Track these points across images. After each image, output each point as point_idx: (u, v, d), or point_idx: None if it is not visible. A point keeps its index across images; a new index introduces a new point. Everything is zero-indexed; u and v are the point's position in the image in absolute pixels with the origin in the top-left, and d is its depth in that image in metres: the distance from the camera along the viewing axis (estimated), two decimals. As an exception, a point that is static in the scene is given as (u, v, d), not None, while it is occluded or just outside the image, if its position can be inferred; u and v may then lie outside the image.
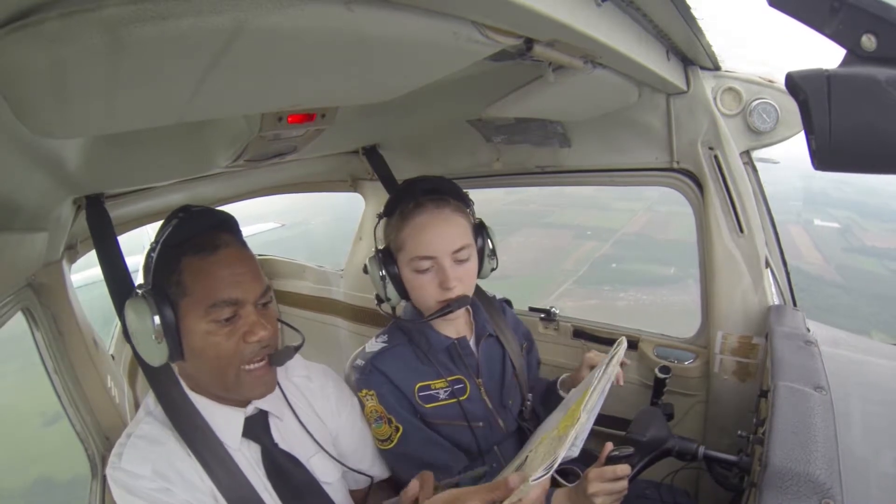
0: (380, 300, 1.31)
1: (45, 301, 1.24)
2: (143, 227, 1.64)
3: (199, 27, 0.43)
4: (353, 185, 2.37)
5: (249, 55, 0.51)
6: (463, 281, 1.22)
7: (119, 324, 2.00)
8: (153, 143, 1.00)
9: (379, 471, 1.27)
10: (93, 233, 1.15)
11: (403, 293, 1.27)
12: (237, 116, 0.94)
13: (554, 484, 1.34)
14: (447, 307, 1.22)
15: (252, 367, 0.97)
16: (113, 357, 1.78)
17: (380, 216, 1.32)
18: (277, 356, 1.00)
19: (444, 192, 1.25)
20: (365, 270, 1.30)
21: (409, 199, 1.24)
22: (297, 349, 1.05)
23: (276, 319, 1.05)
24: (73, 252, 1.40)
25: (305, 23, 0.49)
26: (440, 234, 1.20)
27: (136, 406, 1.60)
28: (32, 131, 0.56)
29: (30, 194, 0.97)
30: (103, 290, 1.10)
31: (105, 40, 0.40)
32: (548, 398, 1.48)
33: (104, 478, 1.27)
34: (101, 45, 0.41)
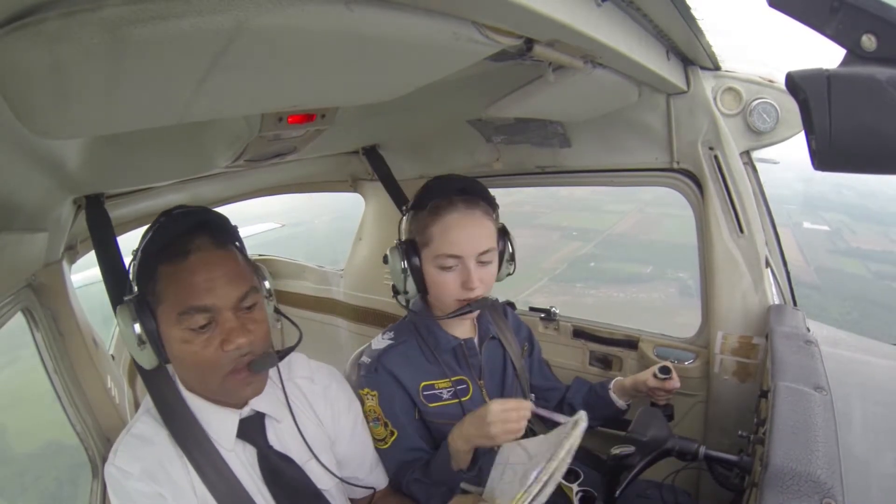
0: (396, 292, 1.30)
1: (45, 301, 1.24)
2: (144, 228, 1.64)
3: (200, 27, 0.43)
4: (353, 185, 2.37)
5: (249, 55, 0.51)
6: (484, 282, 1.23)
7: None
8: (153, 143, 0.99)
9: (377, 479, 1.25)
10: (92, 233, 1.15)
11: (422, 287, 1.27)
12: (237, 117, 0.94)
13: None
14: (467, 307, 1.23)
15: (233, 374, 0.95)
16: (113, 357, 1.78)
17: (407, 208, 1.31)
18: (258, 363, 0.96)
19: (476, 193, 1.26)
20: (385, 261, 1.28)
21: (441, 195, 1.23)
22: (283, 355, 1.02)
23: (266, 320, 1.01)
24: (73, 252, 1.40)
25: (305, 23, 0.49)
26: (469, 234, 1.21)
27: (137, 406, 1.60)
28: (32, 131, 0.56)
29: (30, 194, 0.97)
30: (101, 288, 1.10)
31: (105, 40, 0.40)
32: (594, 401, 1.51)
33: (104, 478, 1.27)
34: (101, 45, 0.41)
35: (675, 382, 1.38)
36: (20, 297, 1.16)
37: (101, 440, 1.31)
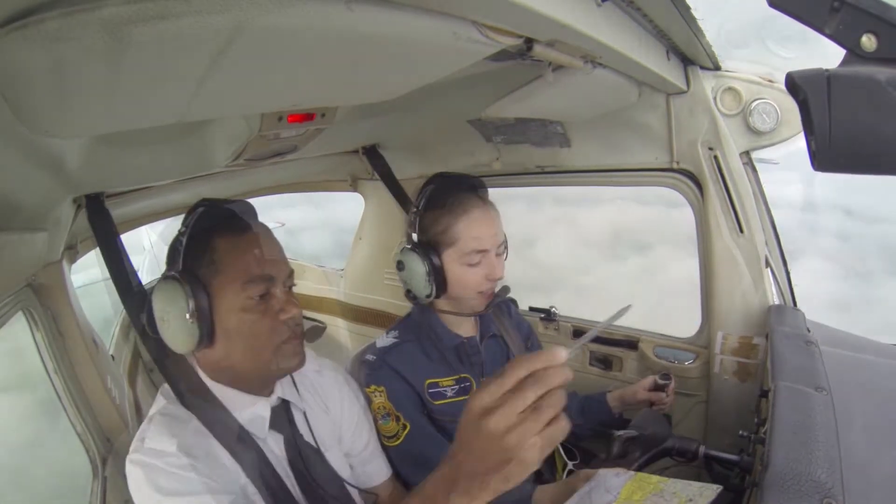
0: (412, 296, 1.29)
1: (45, 301, 1.24)
2: (141, 228, 1.64)
3: (199, 27, 0.43)
4: (353, 184, 2.37)
5: (249, 55, 0.51)
6: (501, 273, 1.26)
7: (119, 324, 2.00)
8: (153, 143, 0.99)
9: (378, 468, 1.22)
10: (95, 232, 1.15)
11: (443, 288, 1.27)
12: (237, 116, 0.94)
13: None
14: (496, 298, 1.27)
15: (286, 342, 0.98)
16: (113, 357, 1.77)
17: (415, 211, 1.28)
18: (310, 333, 1.00)
19: (483, 187, 1.30)
20: (400, 267, 1.27)
21: (455, 192, 1.25)
22: (323, 330, 1.06)
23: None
24: (73, 252, 1.40)
25: (305, 22, 0.49)
26: (493, 227, 1.24)
27: (137, 406, 1.60)
28: (32, 131, 0.56)
29: (30, 194, 0.96)
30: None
31: (105, 40, 0.40)
32: (589, 405, 1.52)
33: (105, 479, 1.27)
34: (101, 45, 0.41)
35: (671, 385, 1.41)
36: (20, 297, 1.16)
37: (101, 440, 1.31)
